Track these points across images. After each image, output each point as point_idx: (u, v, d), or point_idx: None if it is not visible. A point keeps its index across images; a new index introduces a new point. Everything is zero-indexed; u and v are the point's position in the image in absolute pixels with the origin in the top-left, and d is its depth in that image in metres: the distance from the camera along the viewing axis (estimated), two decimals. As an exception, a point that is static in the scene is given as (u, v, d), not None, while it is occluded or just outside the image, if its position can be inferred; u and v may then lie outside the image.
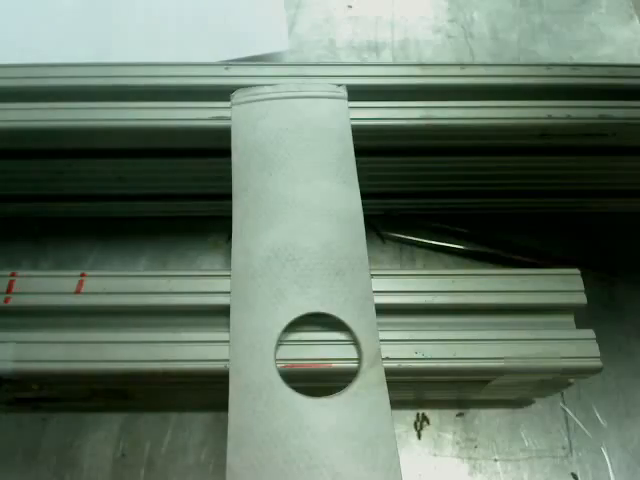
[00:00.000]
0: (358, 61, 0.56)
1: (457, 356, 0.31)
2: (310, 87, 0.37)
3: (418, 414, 0.39)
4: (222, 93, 0.37)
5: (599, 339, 0.32)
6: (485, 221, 0.46)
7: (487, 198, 0.45)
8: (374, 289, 0.31)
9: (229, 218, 0.33)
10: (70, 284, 0.32)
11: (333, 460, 0.26)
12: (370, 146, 0.37)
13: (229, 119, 0.36)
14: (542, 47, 0.57)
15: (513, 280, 0.33)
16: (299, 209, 0.32)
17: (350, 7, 0.59)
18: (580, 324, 0.33)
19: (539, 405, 0.40)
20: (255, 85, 0.37)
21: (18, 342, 0.30)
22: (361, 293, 0.31)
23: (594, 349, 0.31)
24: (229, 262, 0.32)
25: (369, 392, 0.28)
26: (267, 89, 0.37)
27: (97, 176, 0.41)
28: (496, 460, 0.38)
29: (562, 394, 0.40)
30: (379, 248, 0.45)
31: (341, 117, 0.36)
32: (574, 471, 0.38)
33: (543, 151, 0.40)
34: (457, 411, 0.40)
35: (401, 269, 0.44)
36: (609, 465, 0.38)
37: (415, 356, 0.30)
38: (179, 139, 0.37)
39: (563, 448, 0.39)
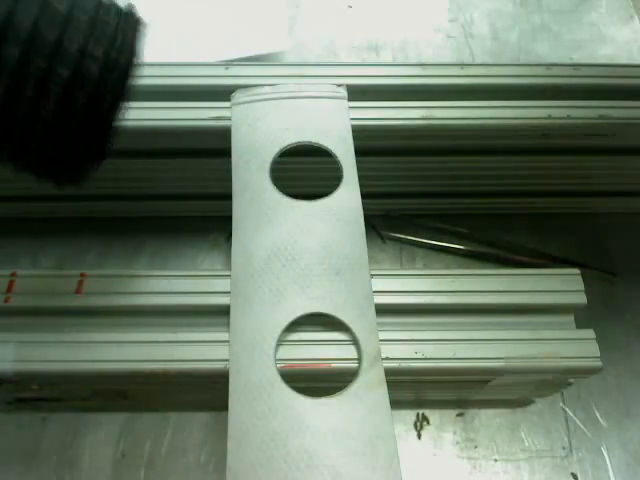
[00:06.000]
0: (358, 61, 0.56)
1: (457, 356, 0.31)
2: (310, 87, 0.37)
3: (418, 414, 0.39)
4: (222, 93, 0.37)
5: (599, 339, 0.32)
6: (485, 221, 0.46)
7: (487, 198, 0.45)
8: (374, 289, 0.31)
9: (229, 218, 0.33)
10: (70, 284, 0.32)
11: (333, 460, 0.26)
12: (370, 146, 0.37)
13: (229, 119, 0.36)
14: (542, 47, 0.57)
15: (513, 280, 0.33)
16: (299, 209, 0.32)
17: (350, 7, 0.59)
18: (580, 324, 0.33)
19: (539, 405, 0.40)
20: (255, 85, 0.37)
21: (18, 342, 0.30)
22: (361, 293, 0.31)
23: (594, 349, 0.31)
24: (229, 262, 0.32)
25: (369, 392, 0.28)
26: (267, 89, 0.37)
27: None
28: (496, 460, 0.38)
29: (562, 394, 0.40)
30: (379, 248, 0.45)
31: (341, 117, 0.36)
32: (574, 471, 0.38)
33: (543, 151, 0.40)
34: (457, 411, 0.40)
35: (401, 269, 0.44)
36: (609, 465, 0.38)
37: (415, 356, 0.30)
38: (179, 139, 0.37)
39: (563, 448, 0.39)
